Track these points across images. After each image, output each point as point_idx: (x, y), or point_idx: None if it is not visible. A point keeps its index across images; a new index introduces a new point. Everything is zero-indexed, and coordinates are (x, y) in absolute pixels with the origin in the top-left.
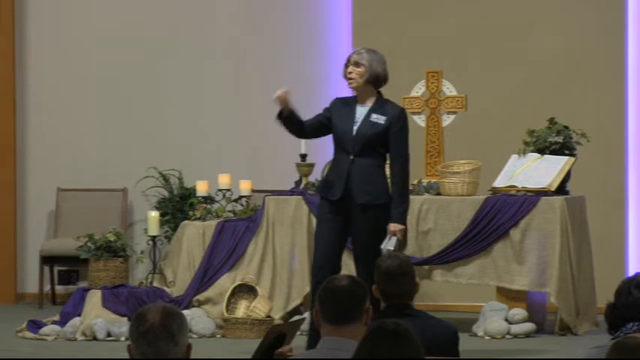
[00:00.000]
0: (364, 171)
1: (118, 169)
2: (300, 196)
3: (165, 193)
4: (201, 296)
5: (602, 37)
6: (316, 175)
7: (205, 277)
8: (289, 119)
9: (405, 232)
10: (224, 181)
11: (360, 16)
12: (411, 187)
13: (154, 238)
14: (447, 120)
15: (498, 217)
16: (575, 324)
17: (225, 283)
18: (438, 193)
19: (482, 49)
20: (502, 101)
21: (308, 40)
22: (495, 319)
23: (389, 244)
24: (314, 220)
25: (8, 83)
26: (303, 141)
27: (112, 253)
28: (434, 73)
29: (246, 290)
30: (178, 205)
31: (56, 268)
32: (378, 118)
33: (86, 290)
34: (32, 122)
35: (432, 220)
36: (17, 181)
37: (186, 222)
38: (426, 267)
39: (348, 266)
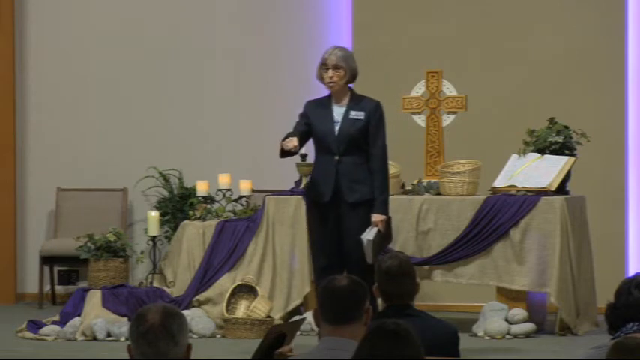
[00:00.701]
0: (351, 170)
1: (118, 169)
2: (300, 196)
3: (166, 193)
4: (201, 296)
5: (602, 37)
6: None
7: (205, 277)
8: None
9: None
10: (224, 181)
11: (360, 16)
12: (410, 187)
13: (154, 238)
14: (447, 120)
15: (498, 217)
16: (575, 324)
17: (225, 283)
18: (438, 193)
19: (482, 49)
20: (502, 101)
21: (308, 40)
22: (495, 319)
23: (369, 234)
24: None
25: (8, 83)
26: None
27: (112, 253)
28: (434, 73)
29: (246, 290)
30: (178, 205)
31: (56, 268)
32: (358, 115)
33: (86, 290)
34: (32, 122)
35: (432, 220)
36: (17, 181)
37: (186, 222)
38: (426, 267)
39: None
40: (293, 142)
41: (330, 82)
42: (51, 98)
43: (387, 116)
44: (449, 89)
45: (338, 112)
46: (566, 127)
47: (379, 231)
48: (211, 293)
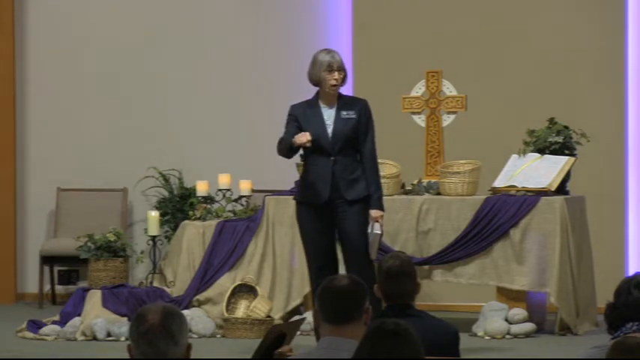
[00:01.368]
0: (347, 168)
1: (118, 169)
2: None
3: (166, 193)
4: (201, 296)
5: (602, 37)
6: None
7: (205, 277)
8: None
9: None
10: (224, 181)
11: (360, 16)
12: (410, 187)
13: (154, 238)
14: (447, 120)
15: (498, 217)
16: (575, 324)
17: (225, 283)
18: (438, 193)
19: (482, 49)
20: (502, 101)
21: (308, 40)
22: (495, 319)
23: (376, 229)
24: None
25: (8, 83)
26: None
27: (112, 253)
28: (434, 73)
29: (246, 290)
30: (178, 205)
31: (56, 268)
32: (349, 114)
33: (86, 290)
34: (32, 122)
35: (432, 220)
36: (17, 181)
37: (186, 222)
38: (426, 267)
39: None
40: (306, 135)
41: (335, 85)
42: (51, 98)
43: (387, 116)
44: (449, 89)
45: (328, 113)
46: (566, 127)
47: (381, 225)
48: (211, 293)
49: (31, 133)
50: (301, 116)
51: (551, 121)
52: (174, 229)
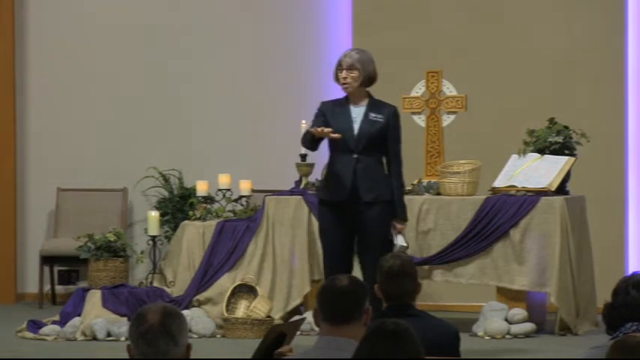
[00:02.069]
0: (369, 168)
1: (118, 169)
2: (300, 196)
3: (166, 193)
4: (201, 296)
5: (602, 37)
6: (316, 175)
7: (205, 277)
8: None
9: None
10: (224, 181)
11: (360, 16)
12: (410, 187)
13: (154, 238)
14: (447, 120)
15: (498, 217)
16: (575, 324)
17: (225, 283)
18: (438, 193)
19: (483, 49)
20: (502, 101)
21: (308, 40)
22: (495, 319)
23: (400, 240)
24: (314, 220)
25: (8, 83)
26: None
27: (112, 253)
28: (434, 73)
29: (246, 290)
30: (178, 205)
31: (56, 268)
32: (377, 117)
33: (86, 290)
34: (32, 122)
35: (432, 220)
36: (17, 181)
37: (186, 222)
38: (426, 267)
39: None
40: (329, 130)
41: (344, 84)
42: (51, 98)
43: None
44: (449, 89)
45: (356, 111)
46: (566, 127)
47: (404, 237)
48: (211, 293)
49: (31, 133)
50: (329, 112)
51: (551, 121)
52: (174, 229)
